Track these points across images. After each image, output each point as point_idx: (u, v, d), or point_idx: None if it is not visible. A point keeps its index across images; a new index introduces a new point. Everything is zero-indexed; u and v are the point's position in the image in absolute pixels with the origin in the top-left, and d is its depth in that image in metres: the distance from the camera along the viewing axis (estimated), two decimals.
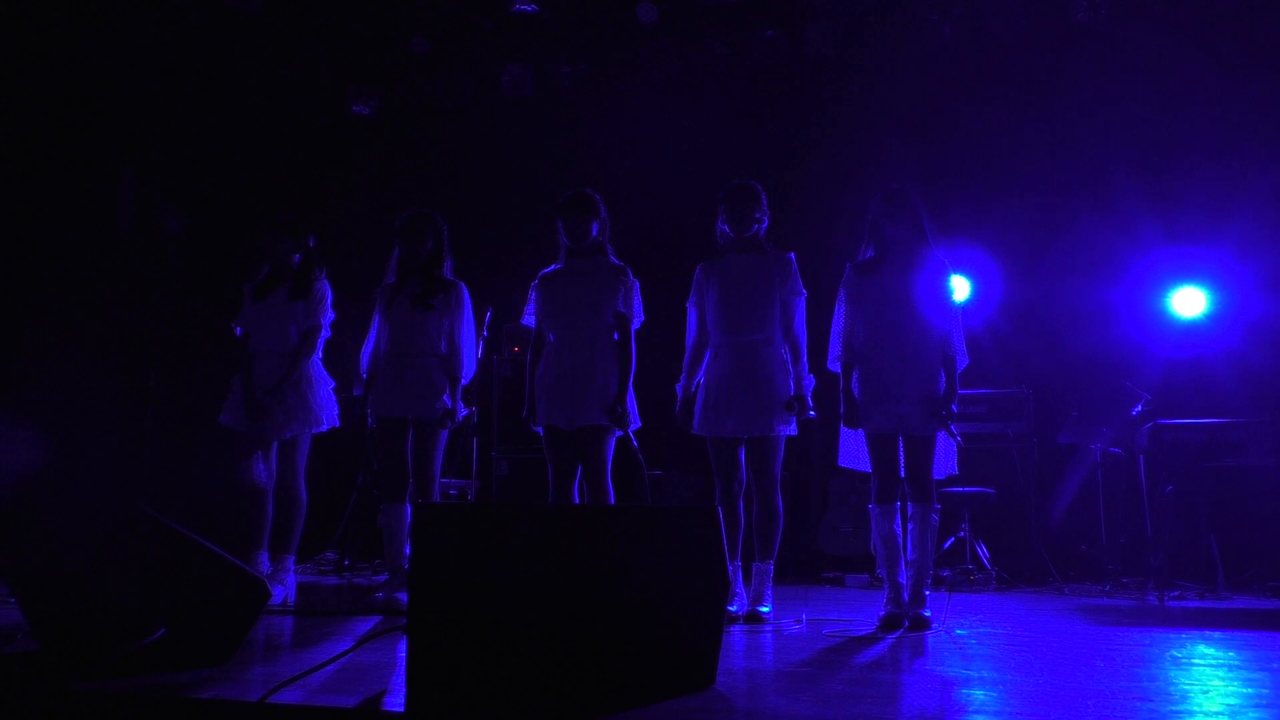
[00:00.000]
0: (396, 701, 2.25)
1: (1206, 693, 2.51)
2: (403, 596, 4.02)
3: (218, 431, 4.68)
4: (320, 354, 4.76)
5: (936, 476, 4.03)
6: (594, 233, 4.34)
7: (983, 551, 5.93)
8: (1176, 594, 5.19)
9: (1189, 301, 6.24)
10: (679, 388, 4.33)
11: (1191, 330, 6.23)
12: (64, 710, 2.24)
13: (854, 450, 4.19)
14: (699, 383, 4.29)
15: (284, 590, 4.55)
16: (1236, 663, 3.04)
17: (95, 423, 7.35)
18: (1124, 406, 5.88)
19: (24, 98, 7.20)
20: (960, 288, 6.36)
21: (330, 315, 4.74)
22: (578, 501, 4.27)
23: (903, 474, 3.99)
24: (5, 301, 7.15)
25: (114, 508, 2.85)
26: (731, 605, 4.01)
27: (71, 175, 7.51)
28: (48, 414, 7.23)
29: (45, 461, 2.82)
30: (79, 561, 2.78)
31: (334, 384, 4.80)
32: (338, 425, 4.79)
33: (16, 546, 2.90)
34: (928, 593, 3.93)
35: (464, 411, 4.60)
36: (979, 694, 2.46)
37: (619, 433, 4.25)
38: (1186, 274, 6.27)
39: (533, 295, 4.43)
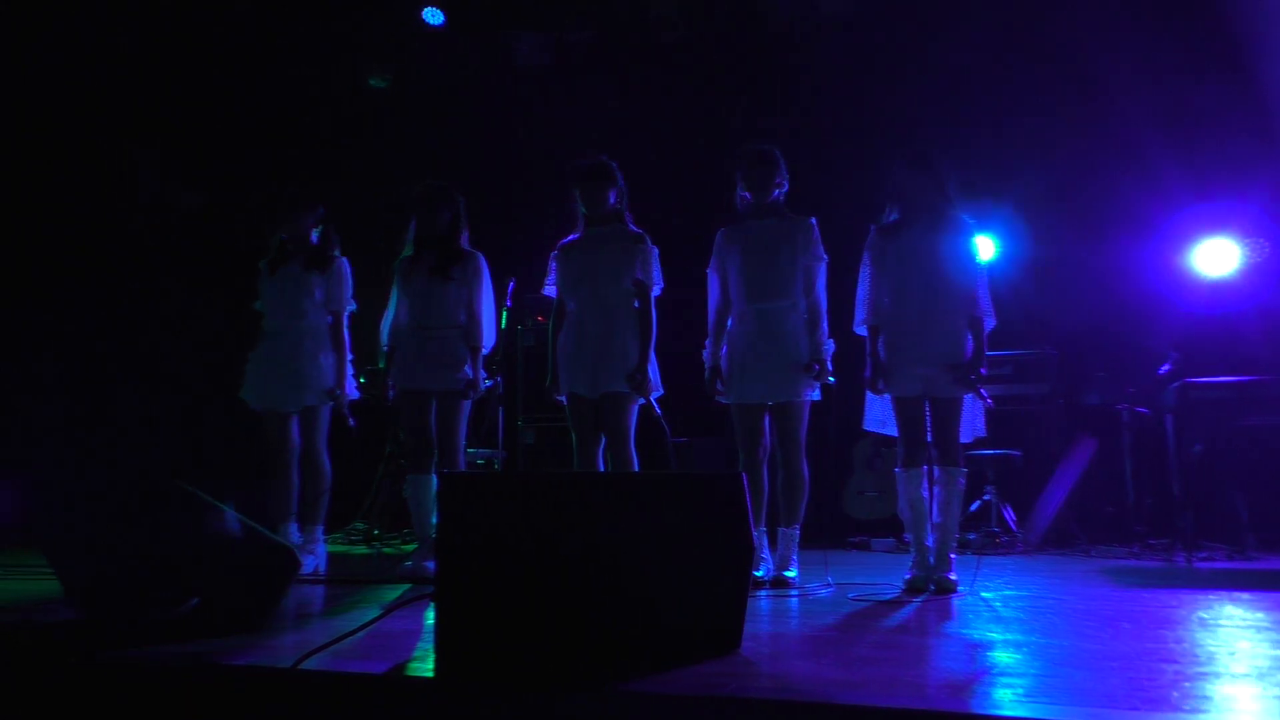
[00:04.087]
0: (425, 668, 2.28)
1: (1233, 654, 2.51)
2: (430, 565, 4.06)
3: (242, 406, 4.73)
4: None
5: (964, 440, 4.01)
6: (612, 200, 4.33)
7: (1009, 514, 5.91)
8: (1204, 555, 5.16)
9: (1219, 257, 6.16)
10: (705, 355, 4.32)
11: (1221, 287, 6.15)
12: (102, 678, 2.29)
13: (880, 414, 4.18)
14: (723, 349, 4.28)
15: (314, 560, 4.61)
16: (1265, 624, 3.03)
17: (121, 399, 7.44)
18: (1151, 366, 5.83)
19: (43, 78, 7.24)
20: (986, 248, 6.30)
21: (352, 304, 4.77)
22: (602, 469, 4.29)
23: (929, 437, 3.98)
24: (27, 280, 7.23)
25: (148, 481, 2.89)
26: (758, 570, 4.03)
27: (91, 154, 7.56)
28: (76, 394, 7.34)
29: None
30: (115, 534, 2.83)
31: (351, 356, 4.83)
32: (356, 397, 4.83)
33: (54, 520, 2.95)
34: (954, 556, 3.93)
35: (486, 382, 4.61)
36: (1005, 656, 2.47)
37: (641, 400, 4.25)
38: (1217, 230, 6.18)
39: (552, 265, 4.43)
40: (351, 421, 4.73)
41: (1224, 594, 3.77)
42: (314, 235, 4.77)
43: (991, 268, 6.07)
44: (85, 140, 7.48)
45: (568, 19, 7.44)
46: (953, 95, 6.71)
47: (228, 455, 6.52)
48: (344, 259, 4.79)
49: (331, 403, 4.67)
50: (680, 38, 7.22)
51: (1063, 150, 6.49)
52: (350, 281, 4.77)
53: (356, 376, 4.89)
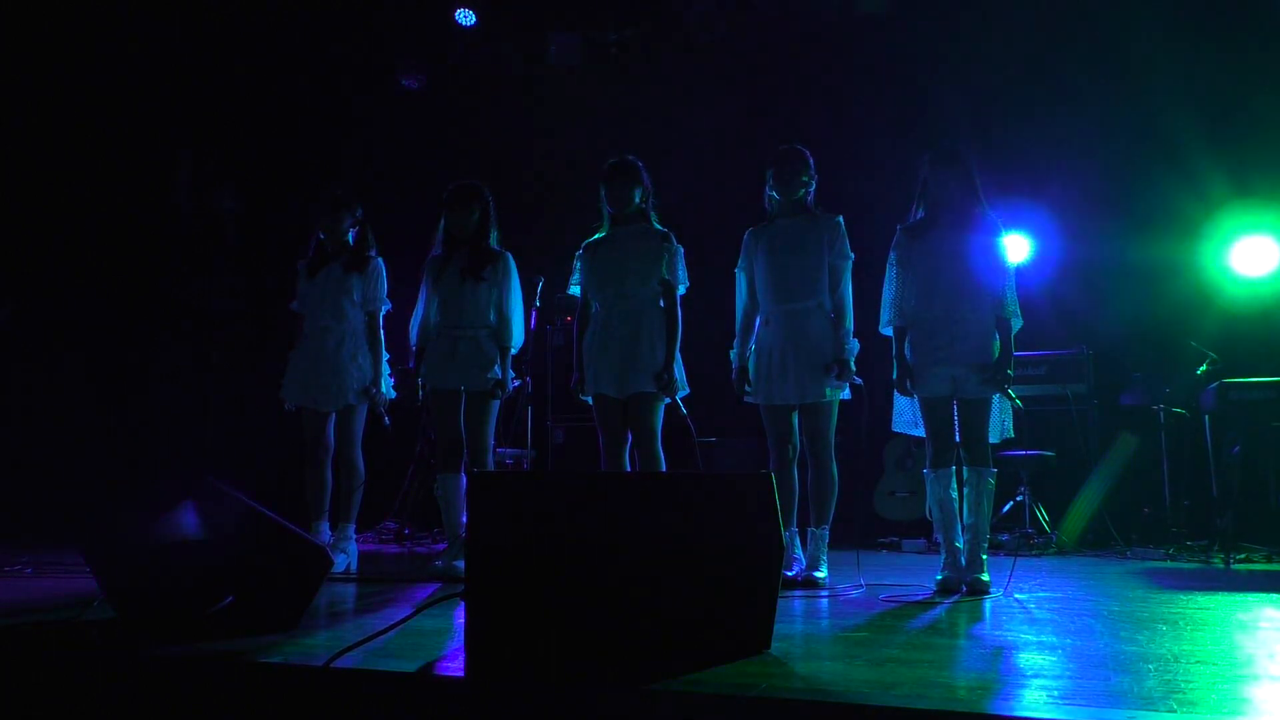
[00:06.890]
0: (456, 666, 2.29)
1: (1272, 657, 2.47)
2: (461, 564, 4.08)
3: (277, 406, 4.77)
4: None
5: (992, 440, 3.98)
6: (636, 199, 4.32)
7: (1042, 515, 5.85)
8: (1243, 557, 5.09)
9: (1259, 256, 6.06)
10: (733, 355, 4.31)
11: (1260, 286, 6.06)
12: (137, 675, 2.32)
13: (910, 416, 4.14)
14: (751, 350, 4.27)
15: (346, 558, 4.65)
16: None
17: (160, 398, 7.54)
18: (1189, 366, 5.75)
19: (82, 84, 7.36)
20: (1019, 247, 6.23)
21: (387, 303, 4.81)
22: (630, 469, 4.28)
23: (958, 438, 3.95)
24: (69, 283, 7.34)
25: (182, 479, 2.92)
26: (788, 571, 4.01)
27: (130, 158, 7.67)
28: (113, 392, 7.44)
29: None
30: (151, 531, 2.86)
31: (388, 356, 4.87)
32: (393, 397, 4.86)
33: (91, 518, 2.99)
34: (985, 557, 3.89)
35: (515, 381, 4.63)
36: (1038, 658, 2.44)
37: (668, 400, 4.25)
38: (1256, 228, 6.08)
39: (577, 265, 4.43)
40: (387, 421, 4.77)
41: (1263, 595, 3.71)
42: (350, 235, 4.81)
43: (1027, 267, 6.03)
44: (131, 141, 7.58)
45: (599, 19, 7.45)
46: (988, 93, 6.65)
47: (263, 453, 6.59)
48: (379, 258, 4.84)
49: (368, 402, 4.71)
50: (712, 37, 7.20)
51: (1099, 147, 6.41)
52: (385, 281, 4.81)
53: (390, 376, 4.92)
